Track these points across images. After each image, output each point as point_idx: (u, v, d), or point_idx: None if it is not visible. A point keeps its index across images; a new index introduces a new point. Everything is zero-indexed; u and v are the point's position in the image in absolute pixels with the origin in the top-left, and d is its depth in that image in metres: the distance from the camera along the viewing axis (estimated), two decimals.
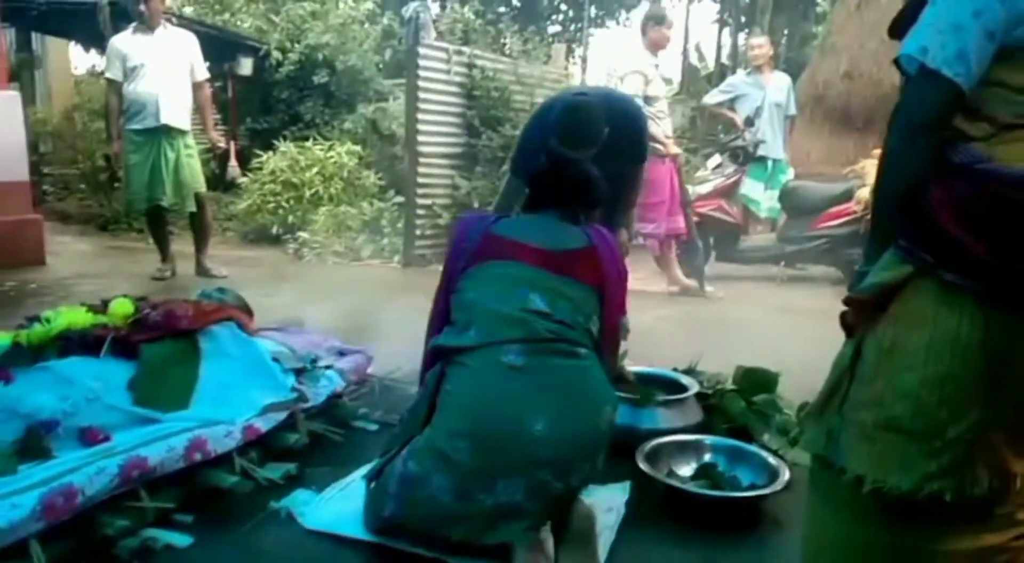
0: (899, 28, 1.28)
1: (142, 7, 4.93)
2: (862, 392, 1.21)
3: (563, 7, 19.15)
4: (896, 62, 1.23)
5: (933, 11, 1.17)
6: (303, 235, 6.74)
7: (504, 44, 9.72)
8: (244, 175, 7.93)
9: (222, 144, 5.84)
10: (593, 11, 18.93)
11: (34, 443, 1.95)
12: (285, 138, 7.97)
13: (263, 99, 9.55)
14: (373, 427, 2.61)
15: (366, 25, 9.85)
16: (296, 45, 9.00)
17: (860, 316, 1.24)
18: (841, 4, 8.84)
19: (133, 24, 5.06)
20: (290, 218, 7.07)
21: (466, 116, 7.43)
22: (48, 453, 1.93)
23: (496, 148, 7.25)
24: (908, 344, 1.17)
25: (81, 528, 1.75)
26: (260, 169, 7.52)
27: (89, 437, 2.02)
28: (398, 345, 3.30)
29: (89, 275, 5.43)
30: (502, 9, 13.82)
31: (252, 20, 9.70)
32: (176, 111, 5.04)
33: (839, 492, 1.24)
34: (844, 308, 1.27)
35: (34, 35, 9.38)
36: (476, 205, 7.17)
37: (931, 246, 1.15)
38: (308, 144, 7.56)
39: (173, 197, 5.13)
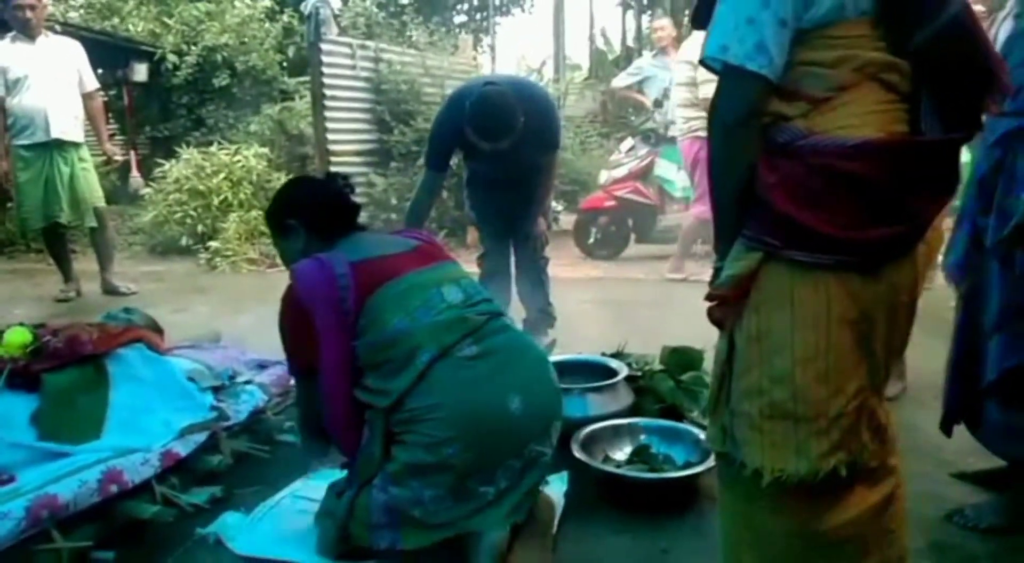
0: (699, 19, 1.29)
1: (24, 14, 4.61)
2: (741, 383, 1.23)
3: None
4: (703, 63, 1.23)
5: (725, 8, 1.18)
6: (214, 244, 6.50)
7: (410, 36, 9.59)
8: (147, 185, 7.59)
9: (118, 156, 5.56)
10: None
11: None
12: (188, 144, 7.65)
13: (162, 105, 9.17)
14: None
15: (265, 23, 9.56)
16: (193, 47, 8.67)
17: (724, 310, 1.26)
18: None
19: (11, 34, 4.74)
20: (199, 227, 6.80)
21: (376, 111, 7.31)
22: None
23: (409, 143, 7.16)
24: (773, 328, 1.19)
25: None
26: (164, 178, 7.20)
27: None
28: None
29: None
30: (405, 1, 13.61)
31: (144, 24, 9.29)
32: (67, 124, 4.76)
33: (745, 485, 1.26)
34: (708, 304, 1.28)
35: None
36: (393, 202, 7.06)
37: (773, 229, 1.16)
38: (213, 149, 7.28)
39: (71, 213, 4.86)
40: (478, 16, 19.48)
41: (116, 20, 9.72)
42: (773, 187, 1.15)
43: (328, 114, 6.74)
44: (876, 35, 1.16)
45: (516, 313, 3.41)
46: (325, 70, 6.70)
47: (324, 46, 6.71)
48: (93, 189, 4.94)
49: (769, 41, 1.13)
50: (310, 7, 6.67)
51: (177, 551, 1.85)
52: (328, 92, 6.73)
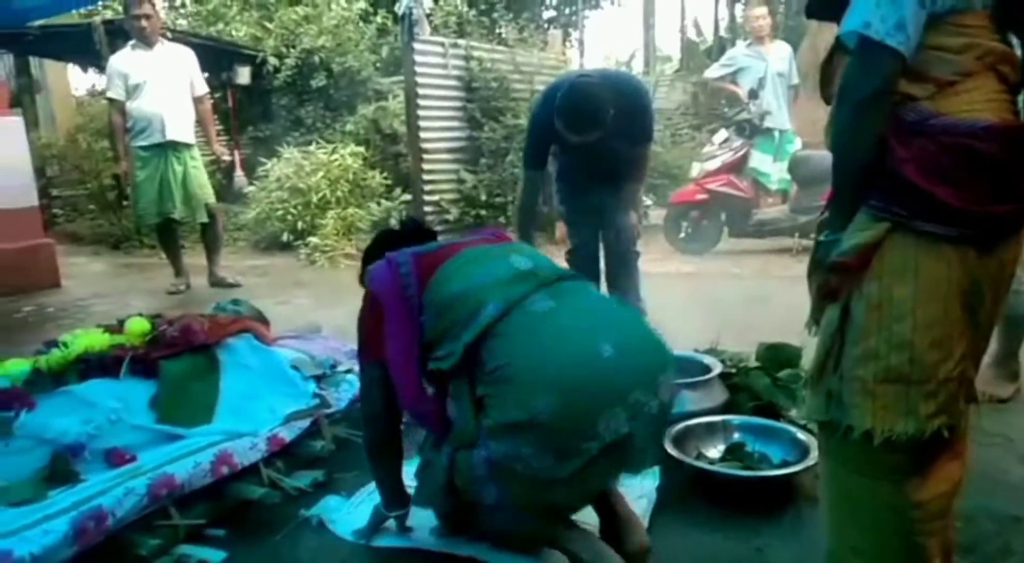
0: (815, 7, 1.41)
1: (141, 24, 4.93)
2: (856, 350, 1.27)
3: None
4: (837, 39, 1.30)
5: None
6: (313, 240, 6.74)
7: (500, 34, 9.66)
8: (251, 184, 7.94)
9: (226, 156, 5.85)
10: None
11: (61, 468, 1.96)
12: (288, 144, 7.95)
13: (263, 107, 9.54)
14: None
15: (360, 25, 9.81)
16: (292, 50, 8.98)
17: (844, 279, 1.29)
18: None
19: (131, 42, 5.06)
20: (299, 224, 7.06)
21: (467, 109, 7.41)
22: (76, 477, 1.94)
23: (499, 139, 7.23)
24: (896, 296, 1.24)
25: (114, 550, 1.75)
26: (266, 177, 7.52)
27: (115, 458, 2.02)
28: None
29: (105, 295, 5.45)
30: None
31: (246, 28, 9.67)
32: (180, 126, 5.06)
33: (851, 453, 1.30)
34: (824, 274, 1.32)
35: (32, 59, 9.40)
36: (483, 197, 7.16)
37: (903, 201, 1.22)
38: (311, 148, 7.55)
39: (183, 210, 5.17)
40: (567, 11, 19.42)
41: (221, 25, 10.17)
42: (905, 161, 1.21)
43: (421, 113, 6.88)
44: (994, 27, 1.24)
45: None
46: (418, 70, 6.84)
47: (417, 46, 6.85)
48: (204, 187, 5.25)
49: (909, 20, 1.19)
50: (403, 8, 6.81)
51: (283, 531, 1.95)
52: (420, 90, 6.86)
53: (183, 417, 2.21)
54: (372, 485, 2.12)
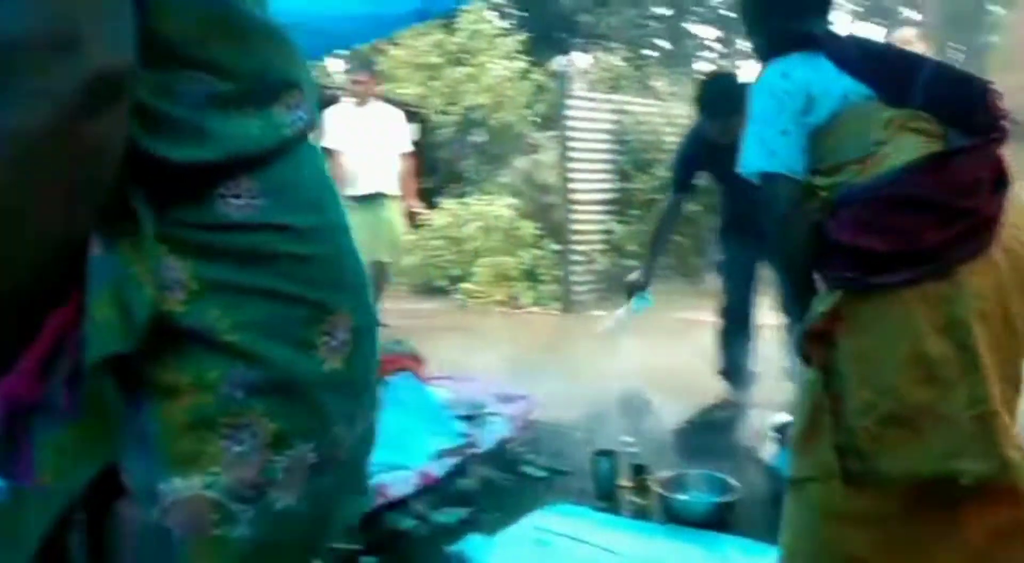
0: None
1: (358, 88, 5.50)
2: (853, 403, 1.31)
3: (712, 44, 18.94)
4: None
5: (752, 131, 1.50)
6: (466, 286, 7.01)
7: (653, 88, 9.76)
8: (413, 232, 8.40)
9: (415, 210, 6.23)
10: (739, 44, 18.57)
11: None
12: (445, 195, 8.37)
13: (427, 160, 10.12)
14: (540, 473, 2.65)
15: (518, 82, 10.24)
16: (453, 107, 9.50)
17: (815, 345, 1.36)
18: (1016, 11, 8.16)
19: (350, 100, 5.59)
20: (453, 270, 7.38)
21: (617, 161, 7.51)
22: None
23: (649, 190, 7.25)
24: (868, 346, 1.31)
25: None
26: (425, 226, 7.94)
27: None
28: (561, 390, 3.36)
29: None
30: (648, 52, 13.88)
31: (414, 88, 10.34)
32: (386, 179, 5.53)
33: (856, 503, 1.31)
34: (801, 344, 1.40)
35: None
36: (631, 248, 7.18)
37: (844, 264, 1.32)
38: (468, 199, 7.90)
39: (388, 254, 5.64)
40: (722, 62, 19.26)
41: (391, 85, 10.94)
42: (835, 230, 1.34)
43: (572, 165, 7.04)
44: (886, 104, 1.38)
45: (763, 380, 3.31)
46: (571, 124, 7.03)
47: (571, 101, 7.06)
48: (401, 235, 5.77)
49: (780, 148, 1.44)
50: (559, 65, 7.06)
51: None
52: (573, 144, 7.04)
53: None
54: (514, 527, 2.19)
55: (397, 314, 6.21)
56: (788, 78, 1.46)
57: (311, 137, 0.82)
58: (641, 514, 2.28)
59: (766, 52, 1.58)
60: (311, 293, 0.76)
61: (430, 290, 7.70)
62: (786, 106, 1.43)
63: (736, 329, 3.36)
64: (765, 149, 1.45)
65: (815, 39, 1.49)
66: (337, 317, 0.78)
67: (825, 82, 1.43)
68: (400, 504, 2.21)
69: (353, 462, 0.87)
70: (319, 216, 0.79)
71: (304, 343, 0.75)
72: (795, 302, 1.51)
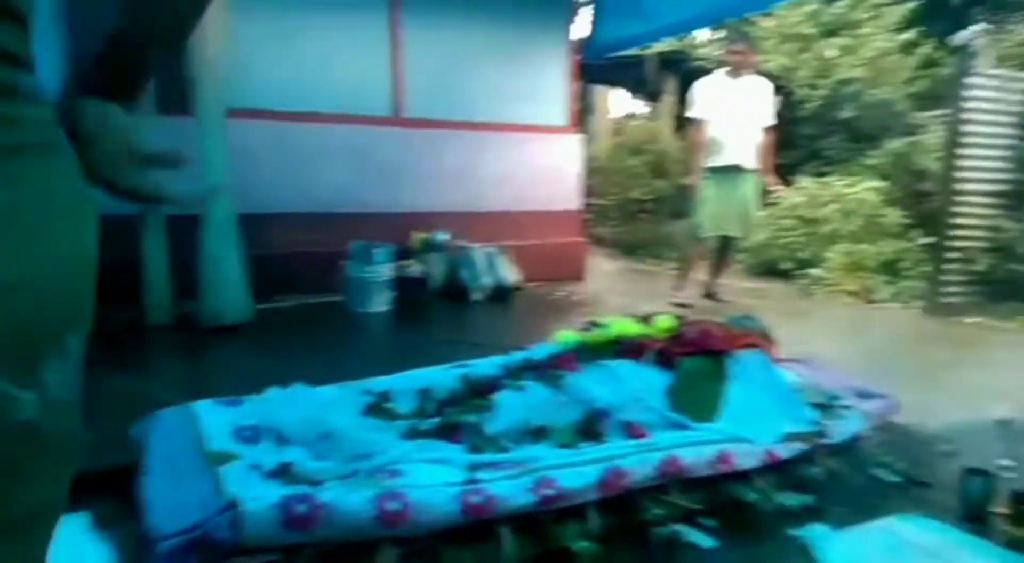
0: None
1: (735, 58, 5.48)
2: None
3: None
4: None
5: None
6: (814, 272, 6.62)
7: None
8: (762, 209, 8.12)
9: (773, 187, 6.03)
10: None
11: (591, 427, 2.33)
12: (803, 173, 7.93)
13: (785, 136, 9.66)
14: (895, 479, 2.45)
15: (901, 55, 9.25)
16: (822, 81, 8.90)
17: None
18: None
19: (723, 69, 5.58)
20: (802, 253, 7.00)
21: (1018, 148, 6.45)
22: (600, 437, 2.28)
23: None
24: None
25: (624, 507, 2.02)
26: (776, 204, 7.61)
27: (631, 431, 2.31)
28: (925, 396, 3.07)
29: (617, 291, 6.17)
30: None
31: (781, 59, 9.88)
32: (748, 152, 5.46)
33: None
34: None
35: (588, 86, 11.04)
36: (1021, 250, 6.18)
37: None
38: (828, 179, 7.40)
39: (739, 230, 5.61)
40: None
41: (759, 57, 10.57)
42: None
43: (962, 151, 6.21)
44: None
45: None
46: (966, 104, 6.19)
47: (971, 80, 6.20)
48: (756, 211, 5.70)
49: None
50: (964, 39, 6.22)
51: (769, 542, 2.01)
52: (967, 128, 6.20)
53: (690, 411, 2.42)
54: (866, 527, 2.06)
55: (736, 292, 6.10)
56: None
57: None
58: (1016, 546, 2.02)
59: None
60: None
61: (772, 272, 7.40)
62: None
63: None
64: None
65: None
66: None
67: None
68: (742, 476, 2.20)
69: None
70: None
71: None
72: None
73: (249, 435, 2.21)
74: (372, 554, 1.70)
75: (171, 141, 0.88)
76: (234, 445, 2.14)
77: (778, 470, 2.28)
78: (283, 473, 2.02)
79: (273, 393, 2.49)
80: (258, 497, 1.68)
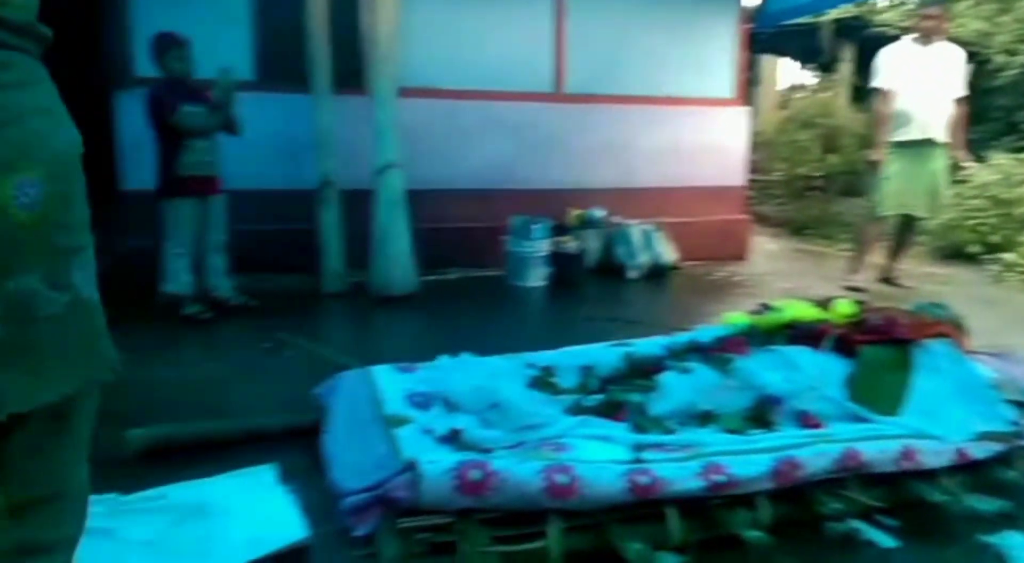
0: None
1: (927, 24, 5.01)
2: None
3: None
4: None
5: None
6: (1008, 256, 6.02)
7: None
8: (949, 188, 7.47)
9: (966, 163, 5.53)
10: None
11: (761, 413, 2.25)
12: (997, 149, 7.20)
13: (977, 107, 8.81)
14: None
15: None
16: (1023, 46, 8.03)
17: None
18: None
19: (911, 36, 5.17)
20: (992, 237, 6.38)
21: None
22: (771, 425, 2.20)
23: None
24: None
25: (799, 499, 1.94)
26: (965, 182, 6.97)
27: (805, 420, 2.22)
28: None
29: (782, 273, 5.89)
30: None
31: (976, 23, 8.99)
32: (938, 125, 5.03)
33: None
34: None
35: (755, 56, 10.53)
36: None
37: None
38: None
39: (925, 208, 5.17)
40: None
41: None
42: None
43: None
44: None
45: None
46: None
47: None
48: (945, 189, 5.20)
49: None
50: None
51: (956, 547, 1.87)
52: None
53: (871, 403, 2.29)
54: None
55: (917, 277, 5.66)
56: None
57: None
58: None
59: None
60: None
61: (958, 256, 6.80)
62: None
63: None
64: None
65: None
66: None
67: None
68: (928, 475, 2.05)
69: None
70: None
71: None
72: None
73: (421, 401, 2.32)
74: (539, 524, 1.73)
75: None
76: (408, 409, 2.25)
77: (969, 471, 2.11)
78: (453, 439, 2.11)
79: (444, 361, 2.59)
80: (434, 461, 1.76)
